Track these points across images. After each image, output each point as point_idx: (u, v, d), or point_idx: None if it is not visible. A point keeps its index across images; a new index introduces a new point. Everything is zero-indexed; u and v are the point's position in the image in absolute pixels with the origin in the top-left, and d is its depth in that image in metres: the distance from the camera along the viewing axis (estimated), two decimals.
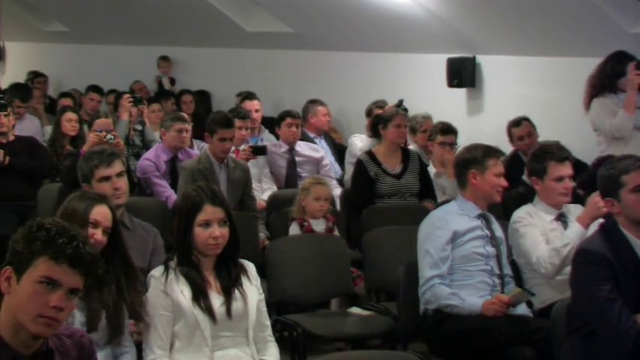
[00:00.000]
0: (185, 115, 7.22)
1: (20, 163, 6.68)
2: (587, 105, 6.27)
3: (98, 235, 3.60)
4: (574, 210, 4.73)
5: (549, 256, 4.51)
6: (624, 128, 6.02)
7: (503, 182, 4.59)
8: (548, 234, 4.63)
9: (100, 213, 3.65)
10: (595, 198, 4.39)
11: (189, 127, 6.95)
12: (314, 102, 8.30)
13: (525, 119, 6.91)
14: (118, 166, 4.53)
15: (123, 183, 4.52)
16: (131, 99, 7.67)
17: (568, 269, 3.99)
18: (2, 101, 6.87)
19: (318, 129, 8.16)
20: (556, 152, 4.76)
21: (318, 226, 5.71)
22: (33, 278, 2.53)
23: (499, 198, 4.63)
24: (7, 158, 6.58)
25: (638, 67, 5.97)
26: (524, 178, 5.53)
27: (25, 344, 2.56)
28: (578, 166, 5.39)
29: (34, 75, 11.41)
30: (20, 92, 8.57)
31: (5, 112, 6.72)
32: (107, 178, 4.47)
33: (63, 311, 2.54)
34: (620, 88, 6.14)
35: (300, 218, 5.72)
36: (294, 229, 5.71)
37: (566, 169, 4.72)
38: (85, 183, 4.53)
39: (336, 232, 5.79)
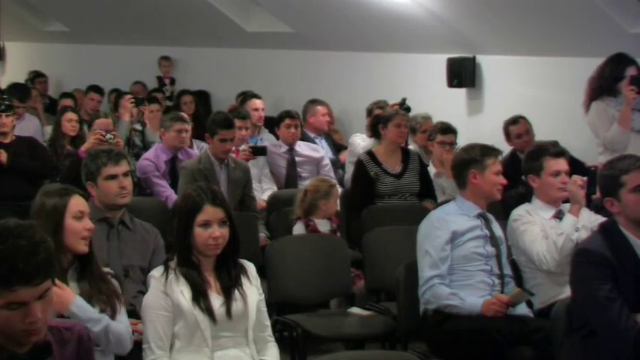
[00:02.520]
0: (185, 115, 7.22)
1: (22, 163, 6.69)
2: (587, 107, 6.26)
3: (88, 223, 3.62)
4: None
5: (548, 250, 4.54)
6: (618, 142, 5.98)
7: (503, 180, 4.63)
8: (547, 231, 4.64)
9: (79, 203, 3.65)
10: (570, 187, 4.62)
11: (188, 127, 6.95)
12: (313, 102, 8.30)
13: (522, 117, 6.93)
14: (124, 166, 4.55)
15: (128, 182, 4.53)
16: (132, 100, 7.67)
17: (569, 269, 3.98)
18: (7, 102, 6.89)
19: (317, 129, 8.15)
20: (551, 148, 4.82)
21: (323, 226, 5.72)
22: None
23: (499, 196, 4.66)
24: (8, 158, 6.59)
25: (632, 82, 5.91)
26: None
27: (18, 346, 2.50)
28: (575, 164, 5.40)
29: (35, 75, 11.42)
30: (18, 92, 8.59)
31: (7, 113, 6.74)
32: (114, 177, 4.48)
33: (41, 318, 2.43)
34: (620, 91, 6.11)
35: (305, 218, 5.73)
36: (299, 229, 5.71)
37: (563, 164, 4.77)
38: (89, 181, 4.53)
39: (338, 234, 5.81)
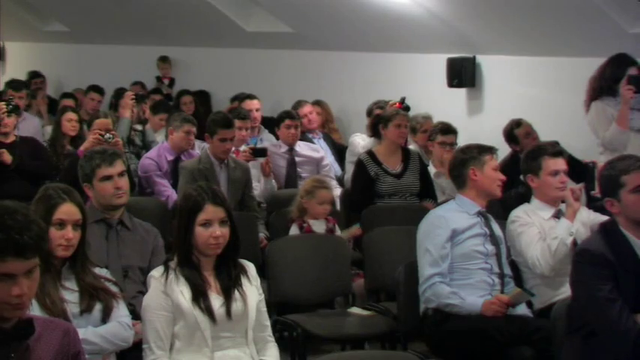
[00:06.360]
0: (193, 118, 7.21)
1: (26, 163, 6.69)
2: (588, 106, 6.27)
3: (68, 233, 3.63)
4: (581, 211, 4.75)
5: (542, 254, 4.54)
6: (617, 142, 5.97)
7: (502, 175, 4.67)
8: (546, 231, 4.64)
9: (63, 211, 3.67)
10: (565, 193, 4.63)
11: (195, 129, 6.96)
12: (295, 104, 8.27)
13: (519, 119, 6.97)
14: (119, 166, 4.53)
15: (124, 182, 4.52)
16: (133, 96, 7.67)
17: (568, 269, 3.98)
18: (12, 104, 6.90)
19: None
20: (549, 148, 4.84)
21: (319, 227, 5.71)
22: None
23: (499, 192, 4.69)
24: (11, 158, 6.59)
25: (629, 82, 5.90)
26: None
27: (3, 321, 2.55)
28: (575, 164, 5.40)
29: (32, 76, 11.39)
30: (13, 83, 8.64)
31: (10, 114, 6.76)
32: (109, 178, 4.47)
33: (27, 293, 2.52)
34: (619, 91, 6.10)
35: (299, 220, 5.72)
36: (294, 231, 5.71)
37: (561, 164, 4.77)
38: (86, 183, 4.53)
39: (338, 233, 5.79)
